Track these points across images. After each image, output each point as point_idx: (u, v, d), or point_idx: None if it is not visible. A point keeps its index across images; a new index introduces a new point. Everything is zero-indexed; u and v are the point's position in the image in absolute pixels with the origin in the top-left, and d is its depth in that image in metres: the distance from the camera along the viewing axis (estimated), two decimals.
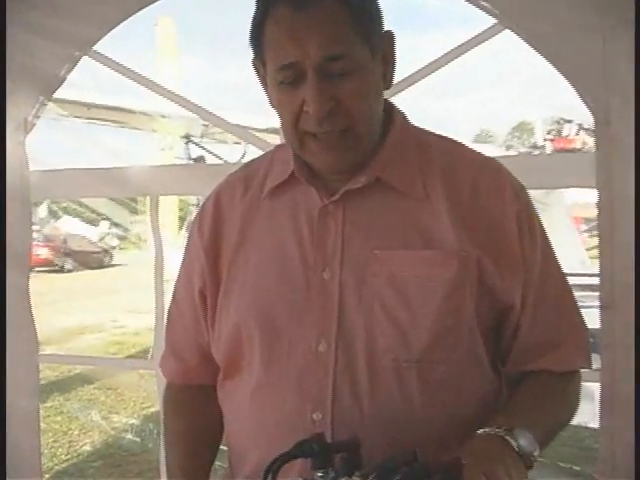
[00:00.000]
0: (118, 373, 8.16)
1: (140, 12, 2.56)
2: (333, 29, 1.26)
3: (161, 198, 2.61)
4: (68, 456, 6.30)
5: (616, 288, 2.17)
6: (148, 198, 2.66)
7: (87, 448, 6.48)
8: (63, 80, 2.64)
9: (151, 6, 2.56)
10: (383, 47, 1.35)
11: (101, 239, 25.80)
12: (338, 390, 1.32)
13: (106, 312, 12.64)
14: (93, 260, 21.67)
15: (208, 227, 1.49)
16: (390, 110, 1.44)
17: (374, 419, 1.31)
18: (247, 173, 1.51)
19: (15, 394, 2.65)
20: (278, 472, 1.15)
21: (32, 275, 2.76)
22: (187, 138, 11.29)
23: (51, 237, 22.33)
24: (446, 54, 2.29)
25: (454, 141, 1.48)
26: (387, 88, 1.39)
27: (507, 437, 1.20)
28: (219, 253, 1.46)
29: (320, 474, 1.14)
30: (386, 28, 1.35)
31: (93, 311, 12.76)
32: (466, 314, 1.34)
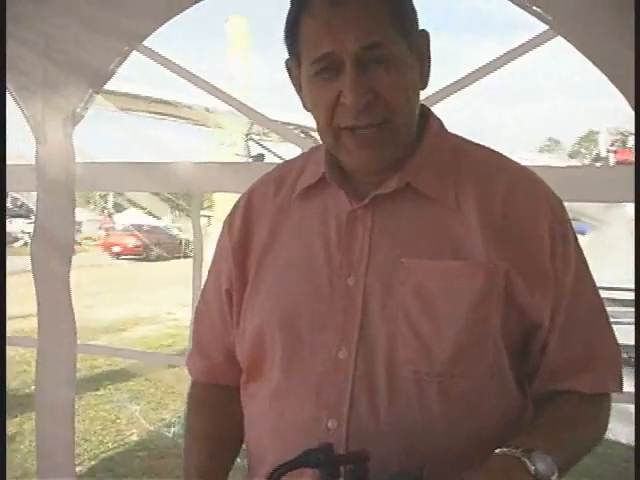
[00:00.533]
0: (168, 367, 8.24)
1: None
2: (370, 22, 1.25)
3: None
4: (115, 444, 6.39)
5: None
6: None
7: (134, 438, 6.57)
8: (113, 73, 2.66)
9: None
10: (419, 45, 1.33)
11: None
12: (356, 398, 1.29)
13: (162, 304, 12.78)
14: (175, 250, 22.35)
15: (238, 227, 1.47)
16: (427, 115, 1.41)
17: (391, 430, 1.28)
18: (280, 173, 1.50)
19: (51, 384, 2.67)
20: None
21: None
22: (248, 136, 11.37)
23: (137, 227, 23.21)
24: (496, 59, 2.24)
25: (491, 150, 1.44)
26: (423, 88, 1.36)
27: (524, 459, 1.16)
28: (247, 254, 1.45)
29: None
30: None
31: (148, 303, 12.94)
32: (491, 328, 1.29)
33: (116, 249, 24.09)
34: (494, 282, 1.29)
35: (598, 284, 1.43)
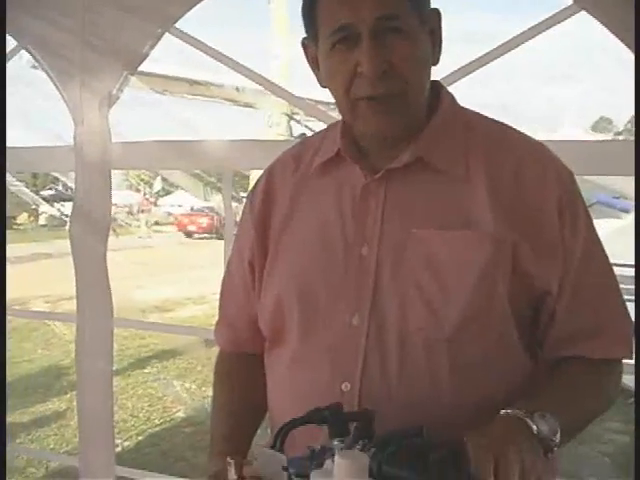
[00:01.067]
0: (214, 346, 8.36)
1: None
2: None
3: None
4: (161, 420, 6.55)
5: None
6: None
7: (180, 414, 6.71)
8: (146, 56, 2.72)
9: None
10: (431, 22, 1.36)
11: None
12: (368, 363, 1.34)
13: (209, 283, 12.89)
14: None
15: (259, 202, 1.53)
16: (438, 90, 1.44)
17: (401, 394, 1.33)
18: (300, 150, 1.55)
19: (90, 359, 2.76)
20: (287, 435, 1.18)
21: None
22: (289, 116, 11.39)
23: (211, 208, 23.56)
24: (518, 36, 2.23)
25: (502, 124, 1.46)
26: (435, 64, 1.40)
27: (527, 419, 1.19)
28: (268, 228, 1.50)
29: (336, 442, 1.15)
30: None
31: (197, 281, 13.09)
32: (499, 297, 1.33)
33: (191, 228, 24.63)
34: (502, 252, 1.32)
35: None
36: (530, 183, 1.36)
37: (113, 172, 2.81)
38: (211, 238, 21.45)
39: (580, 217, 1.39)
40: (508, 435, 1.16)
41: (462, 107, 1.46)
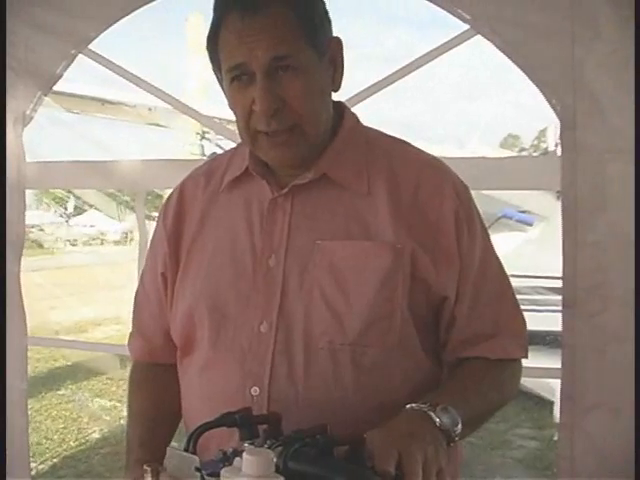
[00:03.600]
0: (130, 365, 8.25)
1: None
2: (279, 33, 1.36)
3: None
4: (76, 442, 6.42)
5: (578, 288, 2.22)
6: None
7: (95, 435, 6.59)
8: (60, 76, 2.75)
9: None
10: (331, 51, 1.44)
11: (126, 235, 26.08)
12: (276, 368, 1.42)
13: (124, 304, 12.69)
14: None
15: (171, 218, 1.60)
16: (342, 111, 1.53)
17: (308, 396, 1.41)
18: (210, 168, 1.63)
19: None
20: (199, 438, 1.24)
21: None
22: (201, 135, 11.46)
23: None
24: (417, 59, 2.35)
25: (402, 141, 1.57)
26: (336, 90, 1.49)
27: (429, 412, 1.27)
28: (180, 241, 1.57)
29: (246, 444, 1.21)
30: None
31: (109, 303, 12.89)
32: (399, 303, 1.42)
33: (106, 247, 23.90)
34: (401, 260, 1.42)
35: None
36: (428, 196, 1.46)
37: (27, 192, 2.82)
38: (125, 258, 21.16)
39: (476, 227, 1.49)
40: (411, 428, 1.23)
41: (365, 126, 1.56)
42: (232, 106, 1.45)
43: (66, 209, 25.08)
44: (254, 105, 1.38)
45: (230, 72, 1.39)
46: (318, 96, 1.43)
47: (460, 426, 1.28)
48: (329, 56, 1.44)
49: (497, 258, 1.55)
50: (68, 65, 2.73)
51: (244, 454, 1.09)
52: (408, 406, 1.30)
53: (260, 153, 1.46)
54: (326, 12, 1.45)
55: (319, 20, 1.43)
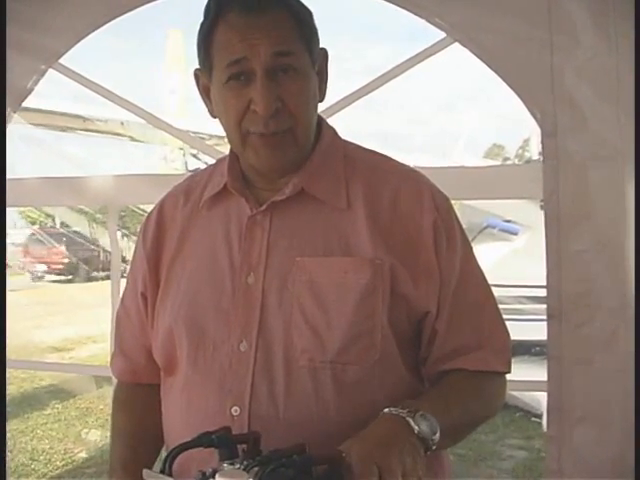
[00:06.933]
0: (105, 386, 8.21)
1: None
2: (281, 32, 1.36)
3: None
4: (63, 462, 6.36)
5: (563, 299, 2.19)
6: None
7: (82, 455, 6.54)
8: (30, 91, 2.71)
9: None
10: (319, 61, 1.44)
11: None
12: (256, 387, 1.39)
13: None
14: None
15: (151, 236, 1.57)
16: (320, 124, 1.51)
17: (289, 414, 1.38)
18: (189, 184, 1.60)
19: None
20: (175, 459, 1.22)
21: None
22: (184, 150, 11.46)
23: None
24: (395, 68, 2.33)
25: (381, 155, 1.55)
26: (321, 101, 1.47)
27: (408, 418, 1.24)
28: (159, 259, 1.54)
29: (225, 465, 1.18)
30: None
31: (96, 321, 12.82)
32: (379, 318, 1.39)
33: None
34: (380, 276, 1.39)
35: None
36: (406, 210, 1.43)
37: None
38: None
39: (456, 239, 1.46)
40: (388, 437, 1.21)
41: (343, 140, 1.54)
42: (223, 106, 1.42)
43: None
44: (252, 105, 1.36)
45: (227, 69, 1.37)
46: (312, 102, 1.43)
47: (438, 435, 1.25)
48: (318, 66, 1.43)
49: (479, 269, 1.52)
50: (38, 80, 2.69)
51: (217, 475, 1.07)
52: (386, 410, 1.27)
53: (250, 155, 1.43)
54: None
55: (314, 29, 1.44)
